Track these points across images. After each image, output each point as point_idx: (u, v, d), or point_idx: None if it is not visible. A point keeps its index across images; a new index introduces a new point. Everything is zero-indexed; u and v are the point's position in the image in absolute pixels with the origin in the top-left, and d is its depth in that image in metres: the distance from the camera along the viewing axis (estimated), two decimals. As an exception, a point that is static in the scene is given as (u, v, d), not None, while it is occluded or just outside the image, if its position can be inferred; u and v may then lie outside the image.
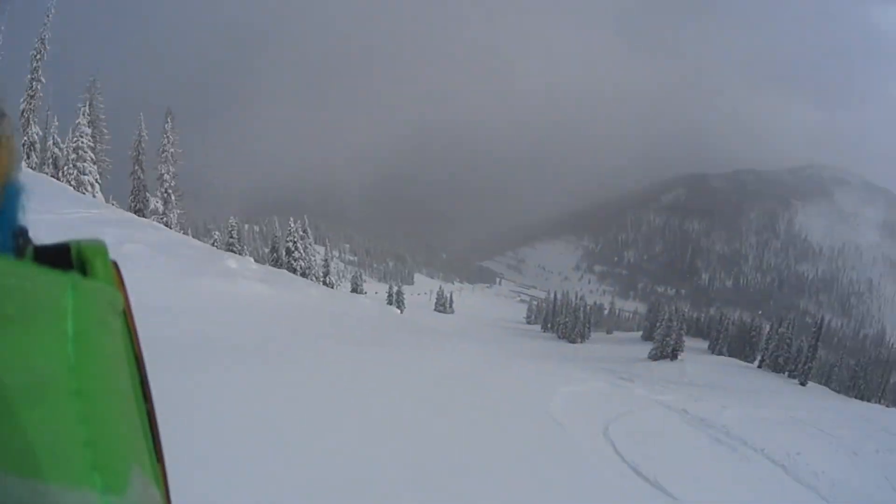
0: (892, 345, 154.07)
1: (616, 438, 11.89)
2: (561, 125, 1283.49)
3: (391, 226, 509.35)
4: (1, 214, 0.54)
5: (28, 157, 39.44)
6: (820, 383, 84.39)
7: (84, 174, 40.11)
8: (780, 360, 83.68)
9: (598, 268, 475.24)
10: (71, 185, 37.04)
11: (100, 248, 0.61)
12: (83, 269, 0.58)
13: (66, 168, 39.97)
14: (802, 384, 75.35)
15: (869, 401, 70.06)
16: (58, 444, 0.44)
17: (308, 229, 57.05)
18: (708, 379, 59.48)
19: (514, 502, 7.37)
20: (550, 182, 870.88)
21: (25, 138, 39.74)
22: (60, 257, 0.58)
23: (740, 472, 12.62)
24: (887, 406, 61.68)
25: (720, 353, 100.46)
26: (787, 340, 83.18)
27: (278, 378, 9.85)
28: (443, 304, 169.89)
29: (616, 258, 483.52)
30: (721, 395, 32.62)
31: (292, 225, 54.39)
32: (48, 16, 39.66)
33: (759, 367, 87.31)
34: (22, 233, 0.57)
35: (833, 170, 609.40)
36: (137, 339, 0.67)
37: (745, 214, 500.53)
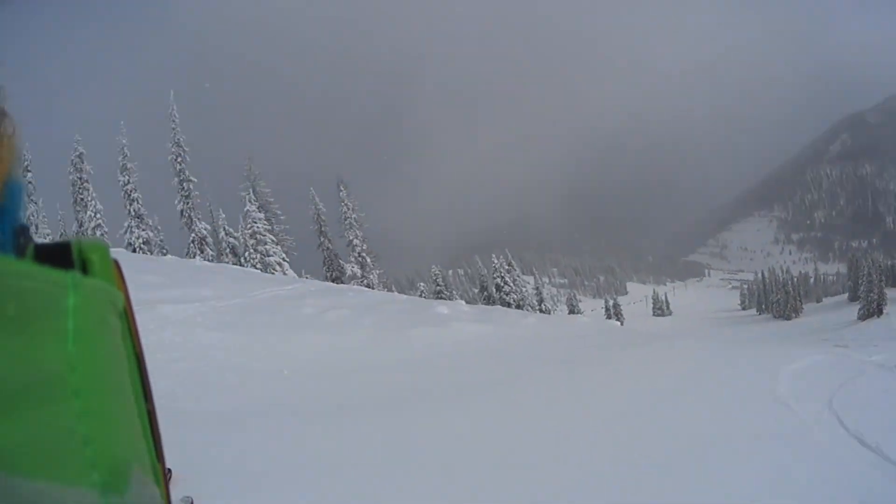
0: None
1: (840, 410, 11.14)
2: (718, 102, 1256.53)
3: (591, 241, 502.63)
4: (2, 213, 0.54)
5: (202, 251, 41.18)
6: None
7: (269, 255, 40.97)
8: None
9: (794, 236, 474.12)
10: (257, 268, 37.88)
11: (100, 246, 0.61)
12: (84, 268, 0.58)
13: (246, 254, 40.88)
14: None
15: None
16: (58, 443, 0.44)
17: (513, 262, 56.81)
18: None
19: (743, 490, 7.23)
20: (724, 161, 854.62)
21: (193, 234, 41.63)
22: (61, 256, 0.57)
23: None
24: None
25: None
26: None
27: (514, 410, 9.97)
28: (660, 308, 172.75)
29: (808, 222, 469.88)
30: None
31: (496, 261, 54.38)
32: (174, 120, 41.68)
33: None
34: (23, 231, 0.57)
35: None
36: (138, 338, 0.68)
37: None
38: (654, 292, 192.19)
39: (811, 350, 22.65)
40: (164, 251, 39.86)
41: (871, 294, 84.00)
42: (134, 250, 37.79)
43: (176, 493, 4.35)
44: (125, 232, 39.43)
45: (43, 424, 0.43)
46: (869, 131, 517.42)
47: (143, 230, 40.20)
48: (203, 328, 13.43)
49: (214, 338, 12.96)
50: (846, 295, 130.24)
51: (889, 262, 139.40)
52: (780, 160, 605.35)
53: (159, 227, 42.68)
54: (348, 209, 46.35)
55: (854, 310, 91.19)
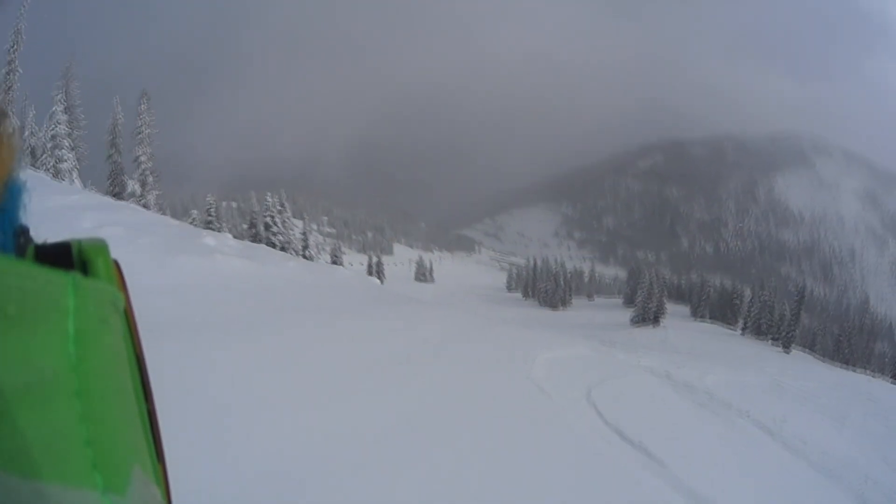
0: (876, 313, 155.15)
1: (599, 403, 11.75)
2: (537, 91, 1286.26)
3: (369, 196, 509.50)
4: (2, 213, 0.54)
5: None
6: (804, 350, 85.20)
7: (62, 161, 40.05)
8: (763, 325, 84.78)
9: (577, 234, 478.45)
10: (49, 173, 36.92)
11: (101, 247, 0.62)
12: (84, 268, 0.59)
13: (43, 157, 39.73)
14: (786, 351, 75.63)
15: (854, 368, 71.01)
16: (59, 444, 0.44)
17: (286, 203, 57.04)
18: (691, 345, 59.85)
19: (499, 471, 7.22)
20: (527, 149, 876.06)
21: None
22: (61, 256, 0.58)
23: (725, 437, 12.44)
24: (873, 374, 64.11)
25: (702, 319, 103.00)
26: (770, 306, 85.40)
27: (260, 352, 9.40)
28: (423, 274, 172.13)
29: (595, 224, 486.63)
30: (704, 360, 32.56)
31: (270, 199, 54.26)
32: (23, 6, 39.40)
33: (742, 333, 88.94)
34: (23, 232, 0.57)
35: (813, 139, 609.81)
36: (139, 338, 0.68)
37: (724, 181, 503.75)
38: (419, 258, 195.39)
39: (574, 342, 22.98)
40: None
41: (650, 303, 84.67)
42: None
43: None
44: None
45: (44, 425, 0.43)
46: (685, 159, 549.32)
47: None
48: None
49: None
50: (621, 299, 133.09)
51: (675, 280, 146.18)
52: (582, 162, 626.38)
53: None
54: (143, 123, 45.49)
55: (627, 314, 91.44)
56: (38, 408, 0.43)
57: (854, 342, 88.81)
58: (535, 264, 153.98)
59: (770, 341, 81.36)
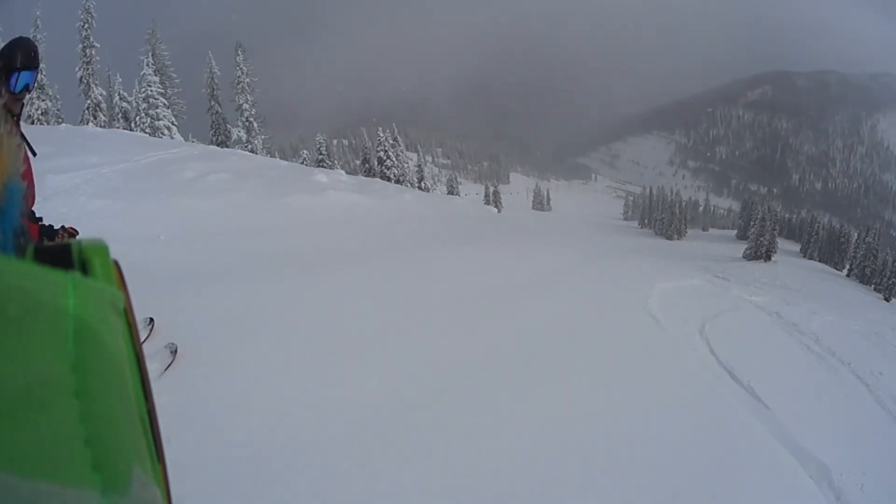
0: None
1: (712, 338, 11.65)
2: (645, 19, 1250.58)
3: (483, 128, 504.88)
4: (2, 214, 0.54)
5: (95, 118, 40.71)
6: None
7: (158, 120, 41.49)
8: (868, 271, 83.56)
9: (691, 163, 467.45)
10: (146, 132, 38.49)
11: (101, 247, 0.61)
12: (84, 268, 0.59)
13: (137, 119, 41.31)
14: (887, 299, 73.34)
15: None
16: (58, 444, 0.44)
17: (398, 137, 56.68)
18: (800, 283, 58.51)
19: (608, 398, 7.38)
20: (636, 77, 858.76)
21: (89, 101, 41.23)
22: (61, 257, 0.59)
23: (826, 385, 12.04)
24: None
25: (811, 258, 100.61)
26: (874, 251, 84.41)
27: (376, 281, 10.42)
28: (540, 203, 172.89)
29: (708, 153, 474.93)
30: (812, 301, 31.28)
31: (382, 134, 54.05)
32: None
33: (848, 275, 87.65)
34: (23, 232, 0.57)
35: None
36: (138, 337, 0.67)
37: (829, 116, 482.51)
38: (536, 186, 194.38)
39: (689, 273, 23.06)
40: (60, 120, 40.08)
41: (762, 238, 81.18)
42: (32, 122, 37.19)
43: (158, 341, 6.22)
44: (26, 104, 37.72)
45: (44, 425, 0.43)
46: (794, 91, 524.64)
47: (43, 101, 39.75)
48: (87, 196, 13.49)
49: (98, 205, 13.00)
50: (734, 232, 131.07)
51: (786, 215, 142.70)
52: (692, 91, 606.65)
53: (58, 97, 43.23)
54: (242, 73, 47.06)
55: (740, 248, 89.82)
56: (37, 408, 0.43)
57: None
58: (650, 193, 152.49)
59: (873, 287, 79.34)
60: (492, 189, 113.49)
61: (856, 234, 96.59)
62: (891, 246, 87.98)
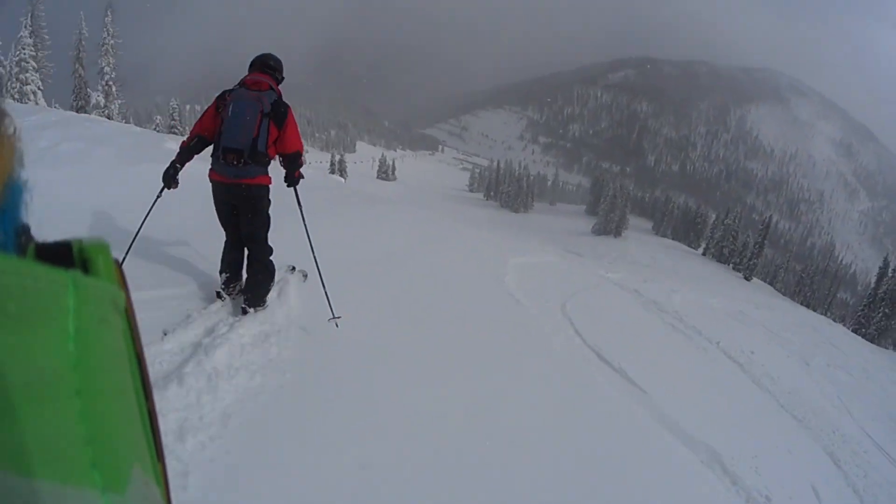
0: (841, 260, 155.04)
1: (575, 318, 11.25)
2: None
3: (333, 95, 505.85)
4: (2, 213, 0.53)
5: None
6: (764, 281, 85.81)
7: (26, 84, 39.58)
8: (726, 250, 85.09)
9: (542, 139, 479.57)
10: (14, 98, 36.49)
11: (102, 246, 0.61)
12: (85, 267, 0.58)
13: (9, 84, 39.26)
14: (747, 279, 76.24)
15: (815, 311, 70.65)
16: (58, 443, 0.44)
17: None
18: (652, 259, 60.72)
19: (483, 390, 6.86)
20: (495, 52, 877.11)
21: None
22: (62, 255, 0.58)
23: (699, 366, 12.02)
24: (833, 320, 63.25)
25: (664, 235, 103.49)
26: (734, 232, 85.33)
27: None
28: (385, 172, 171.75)
29: (561, 130, 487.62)
30: (669, 278, 30.93)
31: None
32: None
33: (704, 254, 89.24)
34: (24, 231, 0.57)
35: (790, 78, 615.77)
36: (139, 337, 0.68)
37: (695, 104, 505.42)
38: (382, 156, 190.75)
39: (542, 247, 23.12)
40: (-68, 92, 37.22)
41: (612, 214, 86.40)
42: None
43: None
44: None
45: (44, 424, 0.43)
46: (660, 77, 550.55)
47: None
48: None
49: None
50: (583, 207, 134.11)
51: (639, 194, 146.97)
52: (552, 70, 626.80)
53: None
54: (108, 34, 44.91)
55: (589, 223, 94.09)
56: (38, 406, 0.43)
57: (816, 284, 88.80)
58: (498, 166, 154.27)
59: (731, 266, 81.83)
60: (338, 157, 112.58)
61: (714, 216, 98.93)
62: (752, 228, 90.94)
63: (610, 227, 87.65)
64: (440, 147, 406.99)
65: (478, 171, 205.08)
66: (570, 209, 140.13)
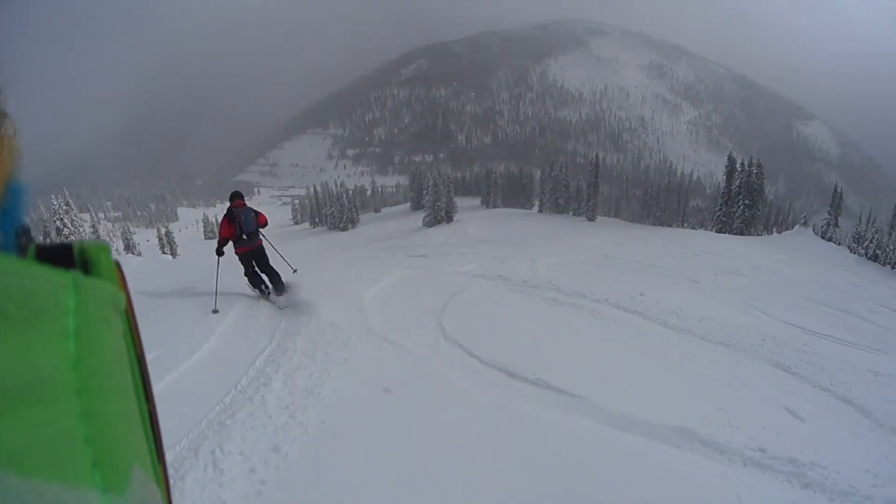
0: (680, 172, 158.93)
1: (460, 338, 9.98)
2: (281, 27, 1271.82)
3: (145, 167, 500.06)
4: (3, 213, 0.54)
5: None
6: (609, 217, 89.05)
7: None
8: (561, 200, 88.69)
9: (350, 152, 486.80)
10: None
11: (102, 247, 0.61)
12: (85, 268, 0.59)
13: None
14: (591, 220, 78.64)
15: (670, 226, 74.53)
16: (58, 443, 0.44)
17: (70, 201, 55.50)
18: (492, 234, 59.75)
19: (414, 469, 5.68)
20: (287, 80, 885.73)
21: None
22: (63, 256, 0.58)
23: (605, 335, 11.01)
24: (693, 228, 65.79)
25: (495, 206, 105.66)
26: (564, 182, 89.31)
27: None
28: (211, 230, 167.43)
29: (366, 138, 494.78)
30: (518, 248, 29.00)
31: (55, 202, 52.98)
32: None
33: (540, 210, 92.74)
34: (24, 232, 0.58)
35: (586, 23, 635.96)
36: (139, 337, 0.68)
37: (492, 73, 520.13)
38: (203, 215, 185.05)
39: (387, 266, 19.64)
40: None
41: (438, 203, 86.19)
42: None
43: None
44: None
45: (44, 424, 0.43)
46: (452, 60, 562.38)
47: None
48: None
49: None
50: (408, 205, 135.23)
51: (459, 175, 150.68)
52: (343, 83, 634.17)
53: None
54: None
55: (419, 218, 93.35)
56: (37, 406, 0.43)
57: (664, 201, 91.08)
58: (315, 191, 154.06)
59: (571, 214, 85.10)
60: (163, 230, 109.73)
61: (539, 172, 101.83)
62: (582, 173, 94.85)
63: (440, 215, 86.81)
64: (255, 189, 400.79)
65: (297, 202, 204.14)
66: (397, 210, 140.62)
